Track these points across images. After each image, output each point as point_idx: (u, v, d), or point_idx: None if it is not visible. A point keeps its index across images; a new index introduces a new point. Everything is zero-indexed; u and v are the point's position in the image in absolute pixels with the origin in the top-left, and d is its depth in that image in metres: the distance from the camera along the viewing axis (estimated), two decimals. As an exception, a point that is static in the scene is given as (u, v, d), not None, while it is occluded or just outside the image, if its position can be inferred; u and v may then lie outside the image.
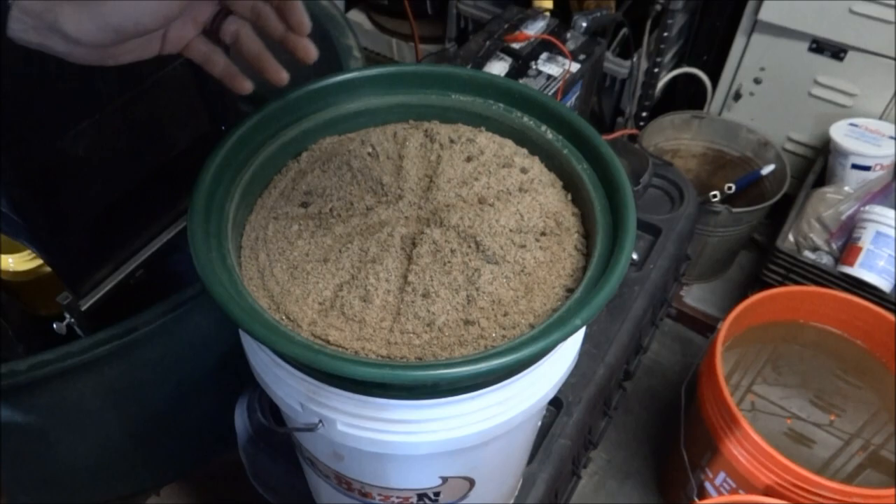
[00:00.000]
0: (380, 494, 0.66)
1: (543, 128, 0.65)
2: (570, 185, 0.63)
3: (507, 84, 0.67)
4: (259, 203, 0.62)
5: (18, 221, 0.77)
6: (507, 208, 0.61)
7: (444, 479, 0.64)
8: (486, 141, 0.66)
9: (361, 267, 0.56)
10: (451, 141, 0.66)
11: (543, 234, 0.60)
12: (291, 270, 0.56)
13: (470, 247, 0.58)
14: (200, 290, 0.83)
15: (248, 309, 0.50)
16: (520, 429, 0.63)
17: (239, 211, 0.59)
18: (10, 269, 1.07)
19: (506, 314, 0.54)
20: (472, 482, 0.67)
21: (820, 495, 0.96)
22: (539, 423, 0.79)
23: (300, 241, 0.58)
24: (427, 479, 0.64)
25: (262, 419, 0.90)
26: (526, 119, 0.66)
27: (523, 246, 0.58)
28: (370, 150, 0.65)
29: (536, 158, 0.66)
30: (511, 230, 0.59)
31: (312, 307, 0.54)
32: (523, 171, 0.64)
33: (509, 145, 0.66)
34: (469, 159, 0.65)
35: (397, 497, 0.66)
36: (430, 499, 0.67)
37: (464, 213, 0.60)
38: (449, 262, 0.57)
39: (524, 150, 0.66)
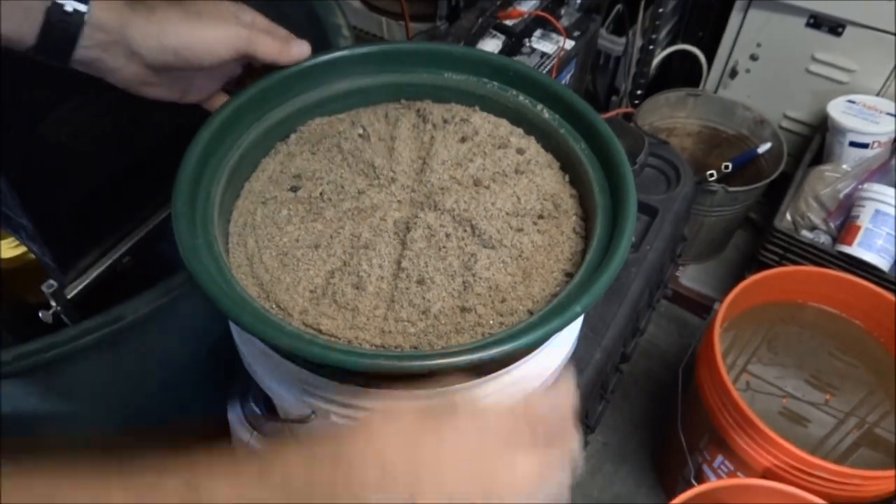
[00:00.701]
0: None
1: (539, 106, 0.63)
2: (568, 165, 0.61)
3: (501, 61, 0.65)
4: (247, 187, 0.60)
5: (0, 208, 0.75)
6: (503, 190, 0.59)
7: None
8: (481, 121, 0.64)
9: (354, 253, 0.55)
10: (445, 121, 0.64)
11: (541, 216, 0.58)
12: (281, 257, 0.54)
13: (466, 231, 0.56)
14: (189, 277, 0.82)
15: (237, 298, 0.48)
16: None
17: (226, 195, 0.57)
18: (-4, 258, 1.05)
19: (503, 300, 0.52)
20: None
21: (819, 477, 0.95)
22: None
23: (290, 227, 0.56)
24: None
25: (255, 410, 0.89)
26: (521, 98, 0.64)
27: (521, 229, 0.56)
28: (361, 131, 0.63)
29: (533, 138, 0.64)
30: (508, 213, 0.57)
31: (303, 295, 0.52)
32: (519, 151, 0.62)
33: (504, 125, 0.64)
34: (463, 140, 0.63)
35: None
36: None
37: (459, 195, 0.58)
38: (444, 247, 0.55)
39: (520, 130, 0.64)
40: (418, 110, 0.65)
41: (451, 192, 0.59)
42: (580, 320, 0.61)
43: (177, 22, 0.51)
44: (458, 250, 0.55)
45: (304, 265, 0.54)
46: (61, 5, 0.48)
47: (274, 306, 0.52)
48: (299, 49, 0.59)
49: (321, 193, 0.59)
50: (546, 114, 0.62)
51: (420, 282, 0.53)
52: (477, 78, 0.65)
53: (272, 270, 0.53)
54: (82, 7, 0.49)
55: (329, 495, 0.34)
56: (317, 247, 0.55)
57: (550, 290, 0.53)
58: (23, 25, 0.49)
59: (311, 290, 0.53)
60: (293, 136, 0.63)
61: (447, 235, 0.55)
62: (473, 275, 0.53)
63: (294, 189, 0.59)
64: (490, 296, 0.52)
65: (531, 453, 0.38)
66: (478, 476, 0.36)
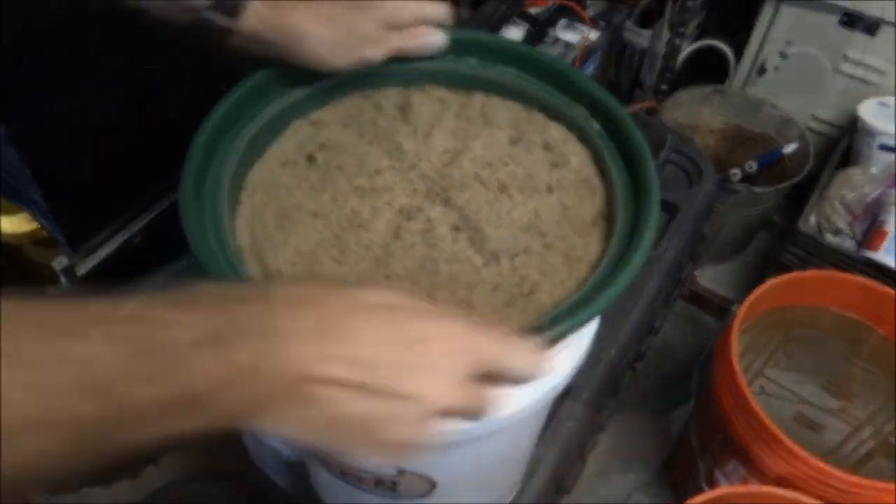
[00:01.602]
0: (340, 468, 0.64)
1: (610, 143, 0.60)
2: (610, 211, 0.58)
3: (598, 95, 0.62)
4: (273, 146, 0.60)
5: (13, 183, 0.75)
6: (525, 203, 0.56)
7: (400, 472, 0.61)
8: (555, 133, 0.62)
9: (348, 228, 0.54)
10: (506, 124, 0.62)
11: (548, 245, 0.55)
12: (280, 218, 0.54)
13: (470, 239, 0.54)
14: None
15: (215, 248, 0.49)
16: (486, 442, 0.60)
17: (256, 143, 0.58)
18: (8, 232, 1.04)
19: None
20: (432, 483, 0.63)
21: (835, 487, 0.93)
22: (528, 444, 0.74)
23: (298, 191, 0.56)
24: (381, 466, 0.61)
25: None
26: (581, 113, 0.62)
27: (527, 251, 0.54)
28: (403, 109, 0.62)
29: (596, 169, 0.61)
30: (521, 228, 0.55)
31: (286, 257, 0.52)
32: (577, 173, 0.59)
33: (572, 142, 0.62)
34: (513, 142, 0.60)
35: (355, 475, 0.63)
36: (387, 487, 0.64)
37: (475, 195, 0.56)
38: (435, 245, 0.53)
39: (586, 152, 0.62)
40: (481, 105, 0.64)
41: (469, 189, 0.57)
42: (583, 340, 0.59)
43: (309, 52, 0.56)
44: (450, 257, 0.53)
45: (299, 229, 0.53)
46: (210, 20, 0.54)
47: (256, 263, 0.52)
48: (432, 42, 0.61)
49: (339, 165, 0.58)
50: (611, 160, 0.60)
51: (387, 276, 0.51)
52: (569, 100, 0.63)
53: (268, 227, 0.53)
54: (232, 23, 0.54)
55: (245, 325, 0.34)
56: (316, 215, 0.54)
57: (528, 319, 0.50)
58: (180, 19, 0.55)
59: (298, 253, 0.52)
60: (334, 103, 0.63)
61: (442, 237, 0.54)
62: (450, 291, 0.51)
63: (311, 158, 0.59)
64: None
65: (446, 323, 0.39)
66: (393, 332, 0.37)
